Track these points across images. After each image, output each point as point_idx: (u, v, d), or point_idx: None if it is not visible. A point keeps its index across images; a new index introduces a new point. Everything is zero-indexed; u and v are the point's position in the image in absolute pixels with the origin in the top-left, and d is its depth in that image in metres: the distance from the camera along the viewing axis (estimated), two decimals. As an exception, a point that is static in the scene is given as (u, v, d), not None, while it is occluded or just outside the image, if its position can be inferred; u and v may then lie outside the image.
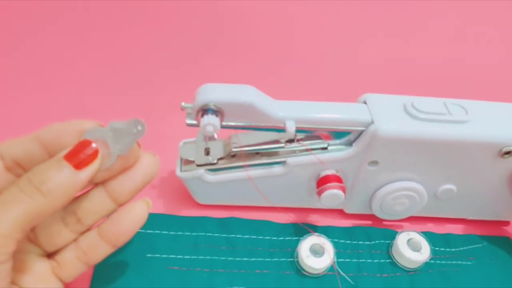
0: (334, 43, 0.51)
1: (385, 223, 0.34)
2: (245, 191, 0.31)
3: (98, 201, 0.24)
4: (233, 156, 0.30)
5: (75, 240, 0.25)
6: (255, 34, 0.50)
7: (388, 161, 0.29)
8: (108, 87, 0.42)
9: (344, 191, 0.29)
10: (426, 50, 0.52)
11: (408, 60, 0.50)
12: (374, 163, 0.29)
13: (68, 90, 0.41)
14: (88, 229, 0.25)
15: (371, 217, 0.33)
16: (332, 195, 0.29)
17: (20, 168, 0.23)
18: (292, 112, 0.28)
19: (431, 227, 0.34)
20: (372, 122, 0.28)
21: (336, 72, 0.47)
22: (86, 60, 0.45)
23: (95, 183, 0.24)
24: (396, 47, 0.52)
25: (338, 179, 0.29)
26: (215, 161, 0.30)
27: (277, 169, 0.30)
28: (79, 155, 0.22)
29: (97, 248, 0.24)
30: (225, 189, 0.31)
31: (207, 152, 0.31)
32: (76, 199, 0.24)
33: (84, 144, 0.22)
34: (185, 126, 0.28)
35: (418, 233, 0.31)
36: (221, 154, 0.30)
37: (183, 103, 0.27)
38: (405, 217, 0.32)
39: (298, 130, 0.28)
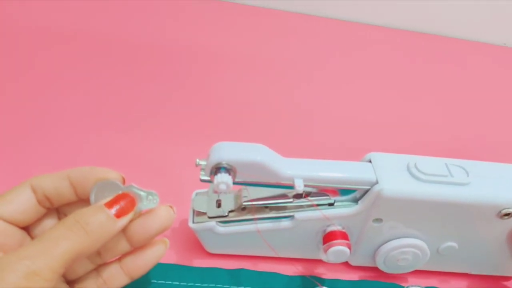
0: (338, 100, 0.53)
1: (390, 276, 0.34)
2: (254, 243, 0.32)
3: (116, 241, 0.26)
4: (243, 209, 0.32)
5: (94, 270, 0.27)
6: (260, 91, 0.52)
7: (391, 219, 0.30)
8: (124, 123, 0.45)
9: (349, 247, 0.30)
10: (429, 110, 0.54)
11: (411, 119, 0.52)
12: (378, 220, 0.30)
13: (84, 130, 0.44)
14: (105, 263, 0.27)
15: (376, 269, 0.34)
16: (339, 252, 0.30)
17: (48, 202, 0.25)
18: (300, 170, 0.29)
19: (435, 282, 0.35)
20: (377, 182, 0.29)
21: (341, 128, 0.49)
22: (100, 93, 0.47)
23: None
24: (400, 106, 0.54)
25: (344, 235, 0.30)
26: (226, 214, 0.32)
27: (285, 223, 0.31)
28: (119, 205, 0.24)
29: (117, 278, 0.27)
30: (235, 240, 0.32)
31: (219, 205, 0.32)
32: None
33: (124, 196, 0.25)
34: (196, 178, 0.29)
35: None
36: (232, 207, 0.32)
37: (197, 160, 0.29)
38: (408, 271, 0.33)
39: (306, 187, 0.29)
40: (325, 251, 0.30)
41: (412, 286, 0.32)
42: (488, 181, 0.30)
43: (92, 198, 0.25)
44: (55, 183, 0.25)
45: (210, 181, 0.29)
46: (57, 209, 0.27)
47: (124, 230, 0.26)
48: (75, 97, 0.46)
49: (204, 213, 0.32)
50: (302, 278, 0.33)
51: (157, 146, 0.43)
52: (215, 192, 0.31)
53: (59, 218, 0.27)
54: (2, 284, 0.20)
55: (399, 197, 0.29)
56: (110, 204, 0.24)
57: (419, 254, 0.32)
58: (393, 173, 0.30)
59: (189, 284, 0.32)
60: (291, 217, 0.31)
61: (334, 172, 0.30)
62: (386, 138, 0.48)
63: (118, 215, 0.24)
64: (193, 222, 0.32)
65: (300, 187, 0.29)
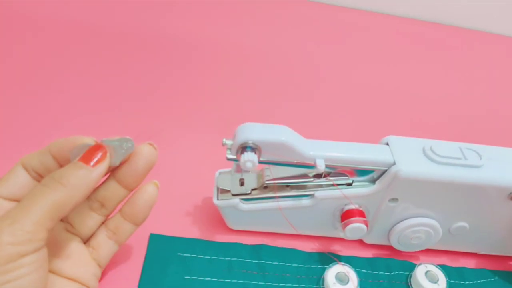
0: (355, 86, 0.55)
1: (403, 254, 0.36)
2: (275, 220, 0.34)
3: (112, 189, 0.29)
4: (265, 187, 0.33)
5: (103, 223, 0.30)
6: (282, 75, 0.54)
7: (407, 199, 0.32)
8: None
9: (367, 225, 0.32)
10: (448, 94, 0.56)
11: (429, 103, 0.54)
12: (394, 200, 0.32)
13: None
14: (111, 212, 0.30)
15: (389, 247, 0.36)
16: (356, 228, 0.32)
17: (40, 177, 0.27)
18: (321, 151, 0.31)
19: (445, 261, 0.36)
20: (394, 163, 0.31)
21: (360, 111, 0.51)
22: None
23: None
24: (415, 93, 0.56)
25: (361, 213, 0.32)
26: (249, 192, 0.33)
27: (305, 201, 0.33)
28: (92, 156, 0.26)
29: (123, 227, 0.29)
30: (257, 217, 0.34)
31: (242, 183, 0.34)
32: (96, 190, 0.29)
33: (95, 148, 0.26)
34: (218, 158, 0.32)
35: (435, 265, 0.34)
36: (254, 185, 0.34)
37: (224, 140, 0.30)
38: (420, 249, 0.35)
39: (326, 167, 0.31)
40: (343, 228, 0.32)
41: (424, 263, 0.34)
42: (500, 164, 0.31)
43: None
44: (40, 159, 0.27)
45: (236, 160, 0.30)
46: None
47: (116, 177, 0.28)
48: (83, 88, 0.47)
49: (228, 191, 0.33)
50: (320, 254, 0.35)
51: (177, 128, 0.44)
52: (239, 171, 0.32)
53: None
54: None
55: (415, 178, 0.30)
56: (83, 158, 0.26)
57: (431, 233, 0.33)
58: (409, 155, 0.31)
59: (212, 257, 0.33)
60: (311, 195, 0.33)
61: (354, 153, 0.31)
62: (402, 123, 0.50)
63: (94, 165, 0.26)
64: (218, 199, 0.33)
65: (321, 167, 0.30)
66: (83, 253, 0.29)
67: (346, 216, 0.32)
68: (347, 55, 0.60)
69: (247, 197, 0.33)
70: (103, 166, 0.26)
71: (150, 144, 0.28)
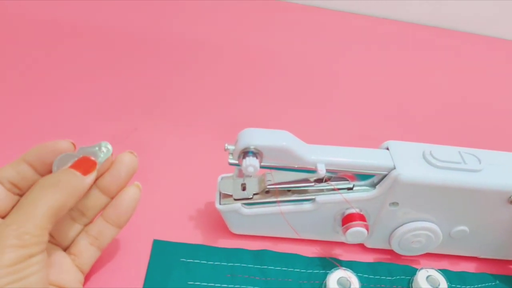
0: (355, 91, 0.56)
1: (404, 259, 0.36)
2: (276, 224, 0.34)
3: (94, 198, 0.29)
4: (267, 192, 0.34)
5: (83, 231, 0.30)
6: (284, 81, 0.55)
7: (407, 203, 0.32)
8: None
9: (367, 229, 0.32)
10: (448, 98, 0.57)
11: (426, 107, 0.54)
12: (394, 204, 0.32)
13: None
14: (91, 221, 0.30)
15: (390, 252, 0.36)
16: (357, 232, 0.32)
17: (17, 188, 0.28)
18: (322, 155, 0.31)
19: (446, 265, 0.37)
20: (394, 168, 0.31)
21: (358, 118, 0.51)
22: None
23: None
24: (414, 98, 0.56)
25: (362, 217, 0.32)
26: (251, 196, 0.34)
27: (306, 205, 0.33)
28: (83, 165, 0.27)
29: (105, 231, 0.30)
30: (258, 221, 0.34)
31: (244, 188, 0.34)
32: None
33: (84, 159, 0.28)
34: (220, 163, 0.32)
35: (436, 270, 0.34)
36: (256, 190, 0.34)
37: (226, 145, 0.31)
38: (421, 253, 0.35)
39: (327, 172, 0.31)
40: (344, 232, 0.32)
41: (425, 268, 0.34)
42: (499, 168, 0.32)
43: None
44: (16, 169, 0.27)
45: (238, 165, 0.31)
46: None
47: (98, 186, 0.29)
48: (85, 89, 0.48)
49: (230, 196, 0.34)
50: (321, 259, 0.35)
51: (178, 134, 0.45)
52: (241, 176, 0.33)
53: None
54: (1, 247, 0.23)
55: (415, 182, 0.31)
56: (74, 166, 0.27)
57: (432, 237, 0.34)
58: (409, 160, 0.32)
59: (215, 263, 0.34)
60: (312, 200, 0.33)
61: (354, 158, 0.32)
62: (402, 128, 0.50)
63: (84, 173, 0.27)
64: (220, 204, 0.34)
65: (322, 171, 0.31)
66: (66, 261, 0.29)
67: (347, 220, 0.32)
68: (349, 61, 0.61)
69: (248, 202, 0.34)
70: (93, 174, 0.27)
71: (131, 152, 0.30)
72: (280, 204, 0.33)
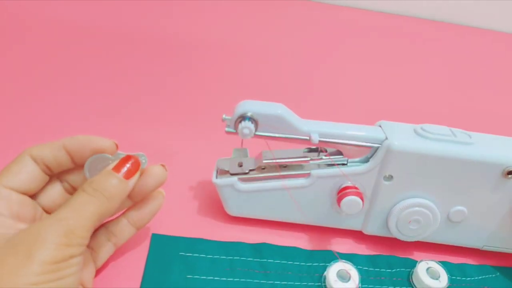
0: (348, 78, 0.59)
1: (403, 252, 0.36)
2: (273, 204, 0.34)
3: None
4: (263, 168, 0.34)
5: (103, 226, 0.30)
6: (282, 75, 0.57)
7: (401, 177, 0.32)
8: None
9: (362, 198, 0.32)
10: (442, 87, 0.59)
11: (419, 94, 0.57)
12: (389, 177, 0.33)
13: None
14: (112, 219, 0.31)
15: (391, 245, 0.36)
16: (351, 201, 0.32)
17: (49, 170, 0.28)
18: (316, 126, 0.32)
19: (447, 257, 0.36)
20: (386, 138, 0.32)
21: (352, 102, 0.54)
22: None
23: None
24: (406, 85, 0.59)
25: (356, 188, 0.33)
26: (247, 171, 0.34)
27: (302, 180, 0.34)
28: (125, 167, 0.28)
29: (125, 230, 0.31)
30: (255, 200, 0.34)
31: (240, 165, 0.35)
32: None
33: (127, 159, 0.28)
34: (215, 158, 0.34)
35: (436, 262, 0.33)
36: (252, 167, 0.35)
37: (224, 115, 0.32)
38: (421, 237, 0.34)
39: (321, 143, 0.32)
40: (339, 202, 0.32)
41: (425, 260, 0.34)
42: (490, 143, 0.33)
43: (86, 174, 0.29)
44: (53, 153, 0.28)
45: (235, 132, 0.32)
46: (58, 176, 0.30)
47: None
48: (86, 89, 0.49)
49: (227, 171, 0.34)
50: (321, 252, 0.34)
51: (176, 131, 0.45)
52: (241, 135, 0.33)
53: (62, 183, 0.30)
54: (47, 243, 0.23)
55: (407, 151, 0.31)
56: (117, 168, 0.27)
57: (429, 215, 0.33)
58: (401, 133, 0.33)
59: (214, 256, 0.33)
60: (308, 174, 0.33)
61: (347, 130, 0.33)
62: (393, 113, 0.51)
63: (127, 176, 0.27)
64: (216, 178, 0.34)
65: (315, 140, 0.32)
66: (87, 256, 0.29)
67: (342, 191, 0.33)
68: (346, 54, 0.64)
69: (245, 177, 0.34)
70: (136, 178, 0.28)
71: (162, 165, 0.30)
72: (276, 178, 0.34)
